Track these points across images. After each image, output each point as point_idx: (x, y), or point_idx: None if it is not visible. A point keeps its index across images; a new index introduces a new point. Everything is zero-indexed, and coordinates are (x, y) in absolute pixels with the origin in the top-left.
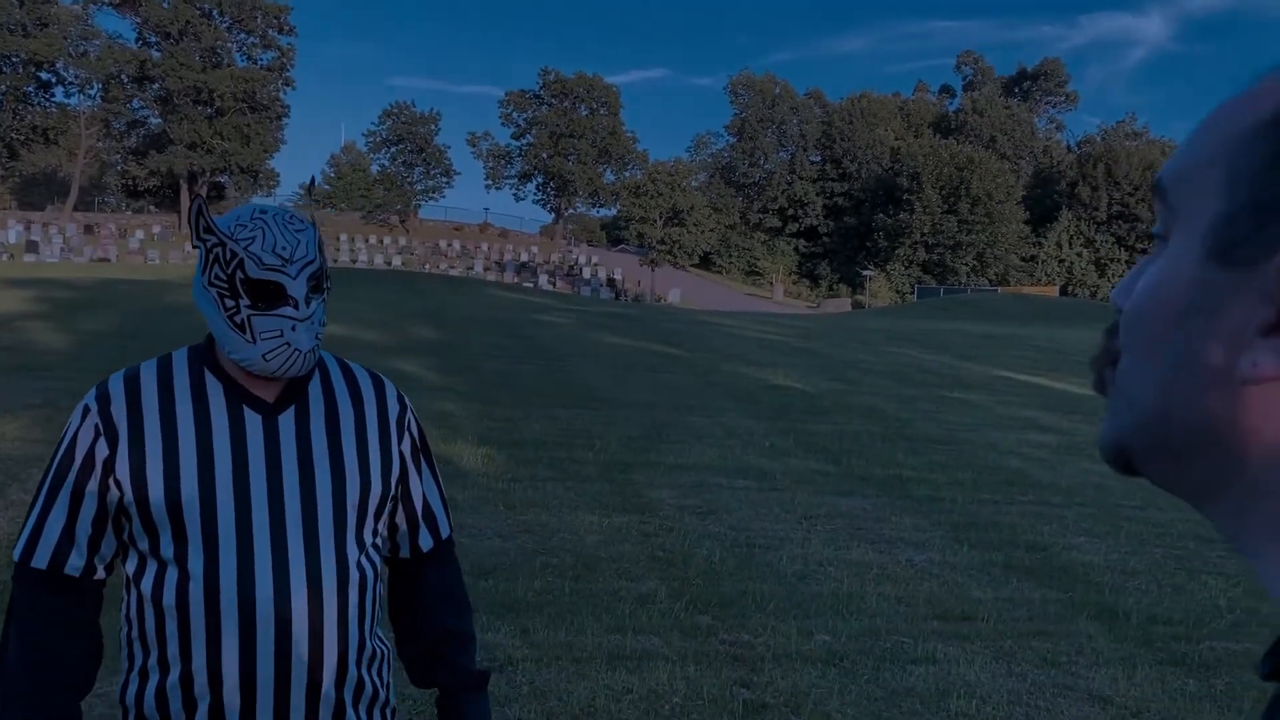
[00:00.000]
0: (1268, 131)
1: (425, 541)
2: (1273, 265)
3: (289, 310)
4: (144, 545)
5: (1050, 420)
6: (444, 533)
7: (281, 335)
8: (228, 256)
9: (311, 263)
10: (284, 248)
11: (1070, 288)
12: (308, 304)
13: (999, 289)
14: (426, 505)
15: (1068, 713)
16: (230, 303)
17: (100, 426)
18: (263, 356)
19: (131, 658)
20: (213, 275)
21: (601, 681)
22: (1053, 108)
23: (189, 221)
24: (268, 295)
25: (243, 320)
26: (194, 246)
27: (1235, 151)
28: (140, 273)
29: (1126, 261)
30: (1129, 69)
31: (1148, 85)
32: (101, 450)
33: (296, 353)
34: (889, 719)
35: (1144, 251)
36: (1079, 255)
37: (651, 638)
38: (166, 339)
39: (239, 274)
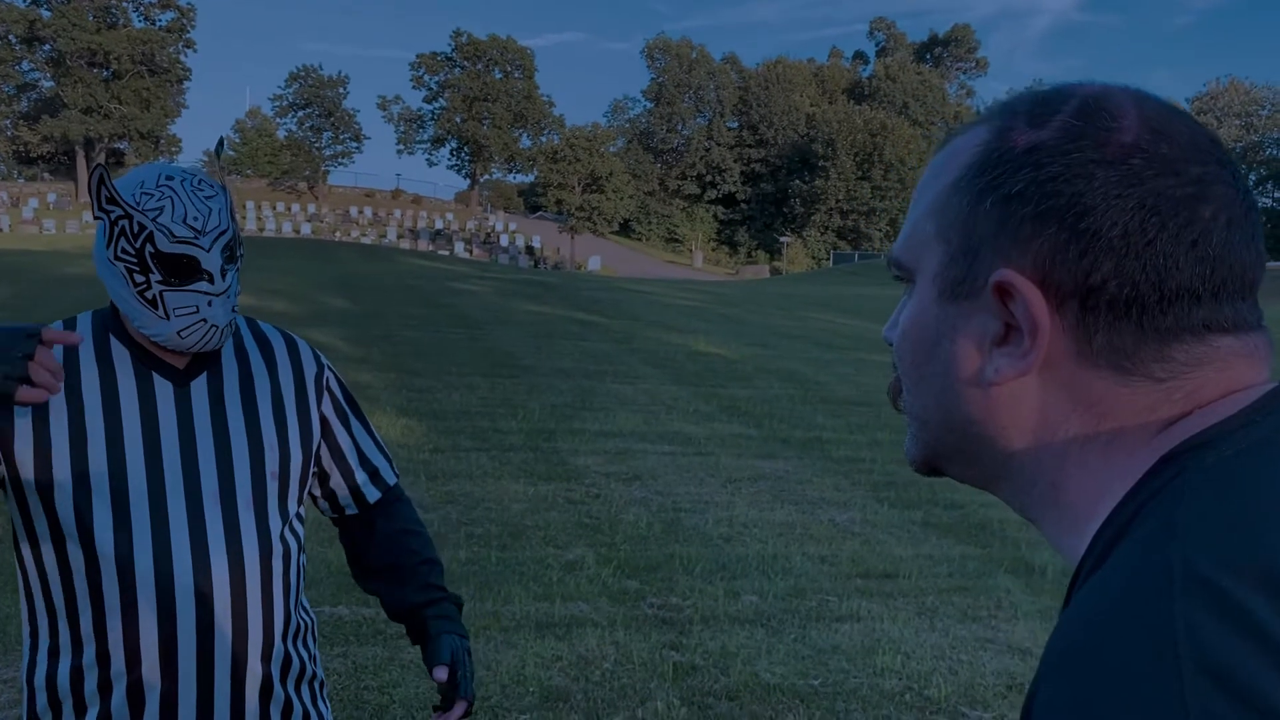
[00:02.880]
0: (960, 186)
1: (371, 494)
2: (987, 291)
3: (204, 285)
4: (49, 520)
5: None
6: (390, 480)
7: (197, 311)
8: (135, 229)
9: (225, 232)
10: (195, 218)
11: None
12: (223, 276)
13: None
14: (363, 458)
15: (990, 665)
16: (140, 278)
17: None
18: (178, 333)
19: (36, 636)
20: (119, 249)
21: (531, 649)
22: (963, 74)
23: (89, 191)
24: (181, 270)
25: (154, 296)
26: (96, 218)
27: (942, 208)
28: (35, 243)
29: None
30: (1035, 36)
31: (1053, 53)
32: None
33: (213, 328)
34: (817, 676)
35: None
36: None
37: (580, 604)
38: (65, 312)
39: (148, 248)
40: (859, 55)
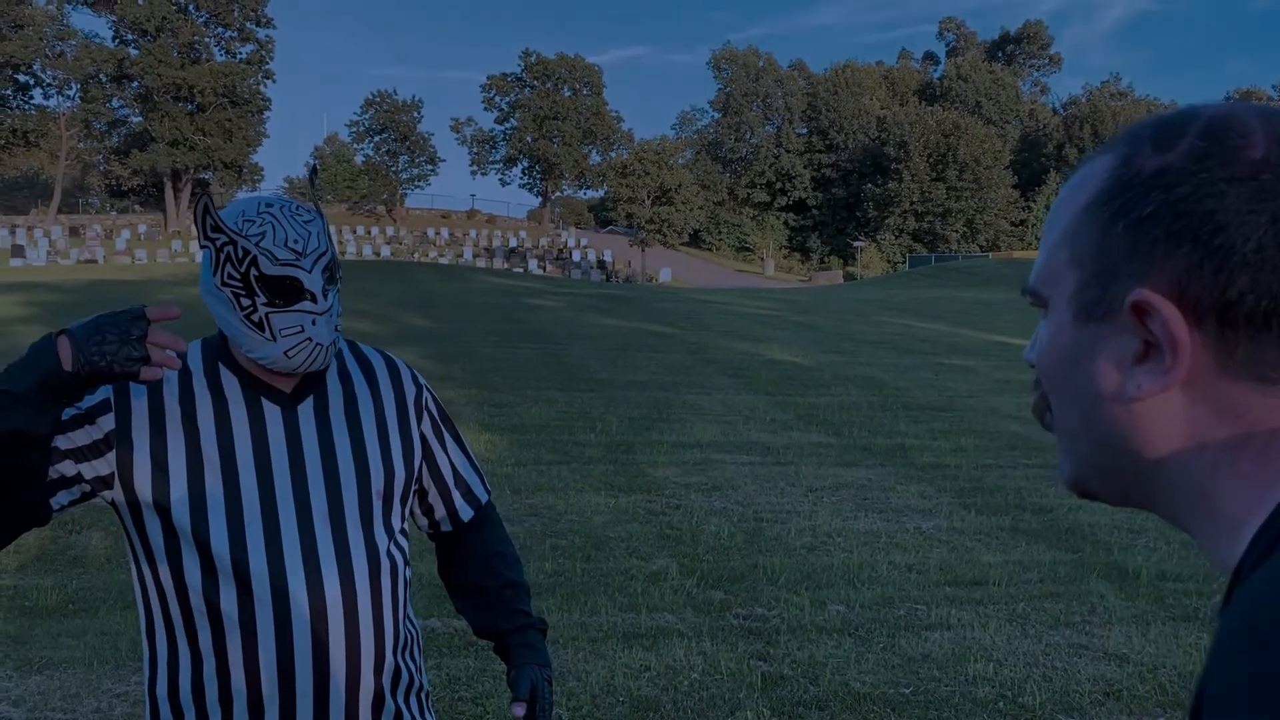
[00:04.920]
0: (1091, 212)
1: (465, 512)
2: (1124, 311)
3: (308, 305)
4: (168, 540)
5: None
6: (482, 498)
7: (302, 330)
8: (240, 255)
9: (324, 254)
10: (296, 241)
11: None
12: (325, 296)
13: (990, 255)
14: (458, 477)
15: (1085, 672)
16: (246, 301)
17: (117, 418)
18: (284, 354)
19: (155, 652)
20: (225, 275)
21: (619, 660)
22: (1036, 70)
23: (195, 220)
24: (285, 291)
25: (260, 319)
26: (201, 246)
27: (1074, 234)
28: (128, 273)
29: None
30: (1107, 29)
31: (1127, 45)
32: (111, 441)
33: (318, 347)
34: (908, 685)
35: None
36: None
37: (666, 615)
38: None
39: (253, 271)
40: (929, 56)
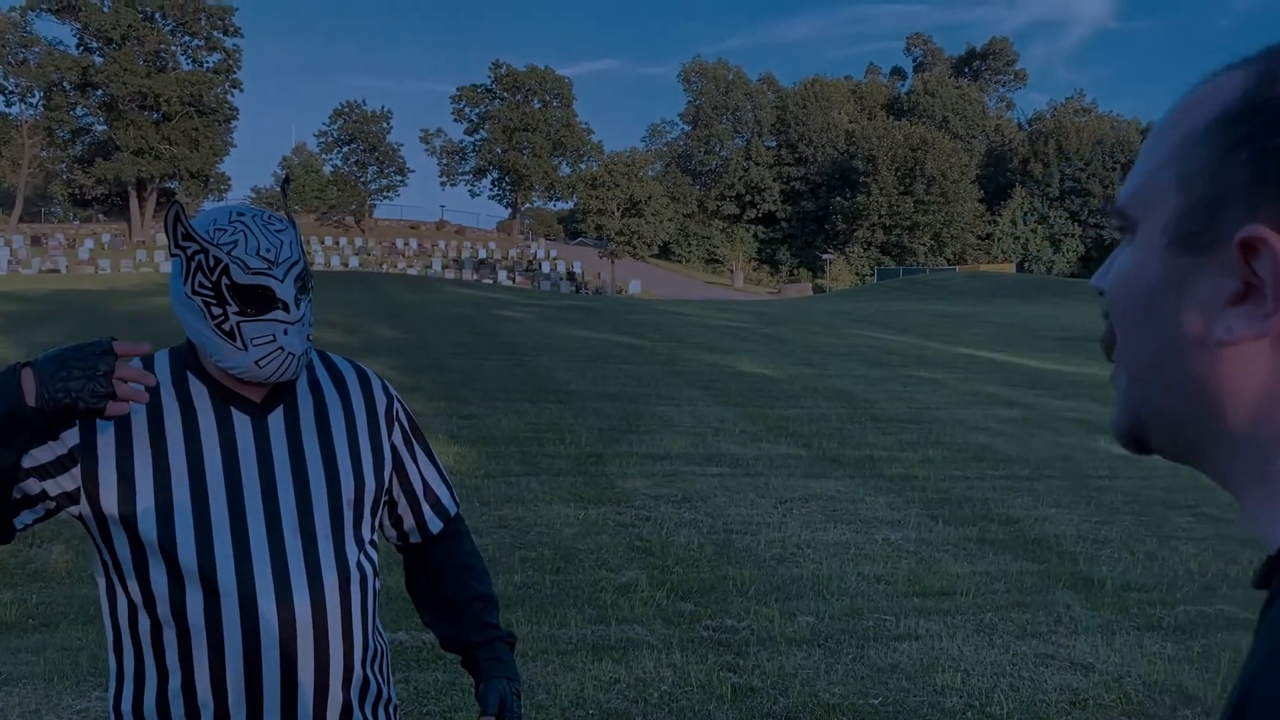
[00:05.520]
0: (1212, 132)
1: (434, 524)
2: (1231, 246)
3: (280, 314)
4: (134, 552)
5: (1014, 395)
6: (451, 510)
7: (274, 340)
8: (211, 263)
9: (297, 263)
10: (269, 250)
11: (1026, 264)
12: (297, 305)
13: (957, 268)
14: (428, 488)
15: (1051, 681)
16: (218, 310)
17: (81, 432)
18: (256, 363)
19: (121, 666)
20: (196, 284)
21: (588, 673)
22: (1002, 86)
23: (166, 229)
24: (257, 300)
25: (231, 328)
26: (172, 255)
27: (1185, 154)
28: (91, 283)
29: (1080, 236)
30: (1071, 46)
31: (1091, 62)
32: (75, 459)
33: (290, 356)
34: (876, 695)
35: (1097, 226)
36: (1033, 231)
37: (635, 626)
38: None
39: (224, 280)
40: (896, 71)
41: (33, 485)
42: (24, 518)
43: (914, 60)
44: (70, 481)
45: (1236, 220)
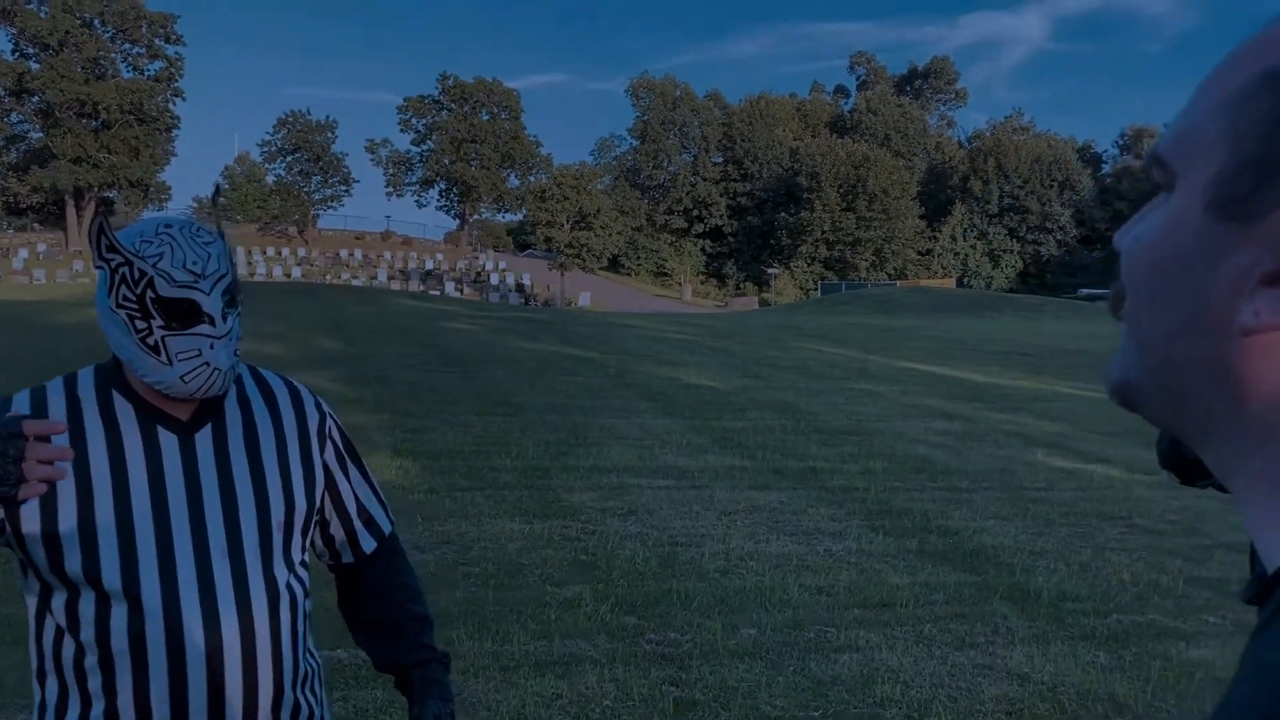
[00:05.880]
0: (1270, 85)
1: (368, 544)
2: (1276, 218)
3: (205, 328)
4: (57, 574)
5: (953, 408)
6: (386, 530)
7: (200, 355)
8: (135, 275)
9: (224, 276)
10: (195, 262)
11: (966, 279)
12: (224, 320)
13: (898, 283)
14: (361, 507)
15: (989, 691)
16: (141, 324)
17: None
18: (181, 378)
19: (44, 691)
20: (120, 296)
21: (530, 689)
22: (943, 105)
23: (90, 240)
24: (182, 314)
25: (156, 342)
26: (97, 267)
27: (1237, 106)
28: (26, 293)
29: (1019, 252)
30: (1010, 67)
31: (1028, 82)
32: None
33: (216, 372)
34: (817, 708)
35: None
36: (973, 247)
37: (579, 642)
38: (56, 360)
39: (149, 293)
40: (840, 89)
41: None
42: None
43: (857, 79)
44: None
45: None
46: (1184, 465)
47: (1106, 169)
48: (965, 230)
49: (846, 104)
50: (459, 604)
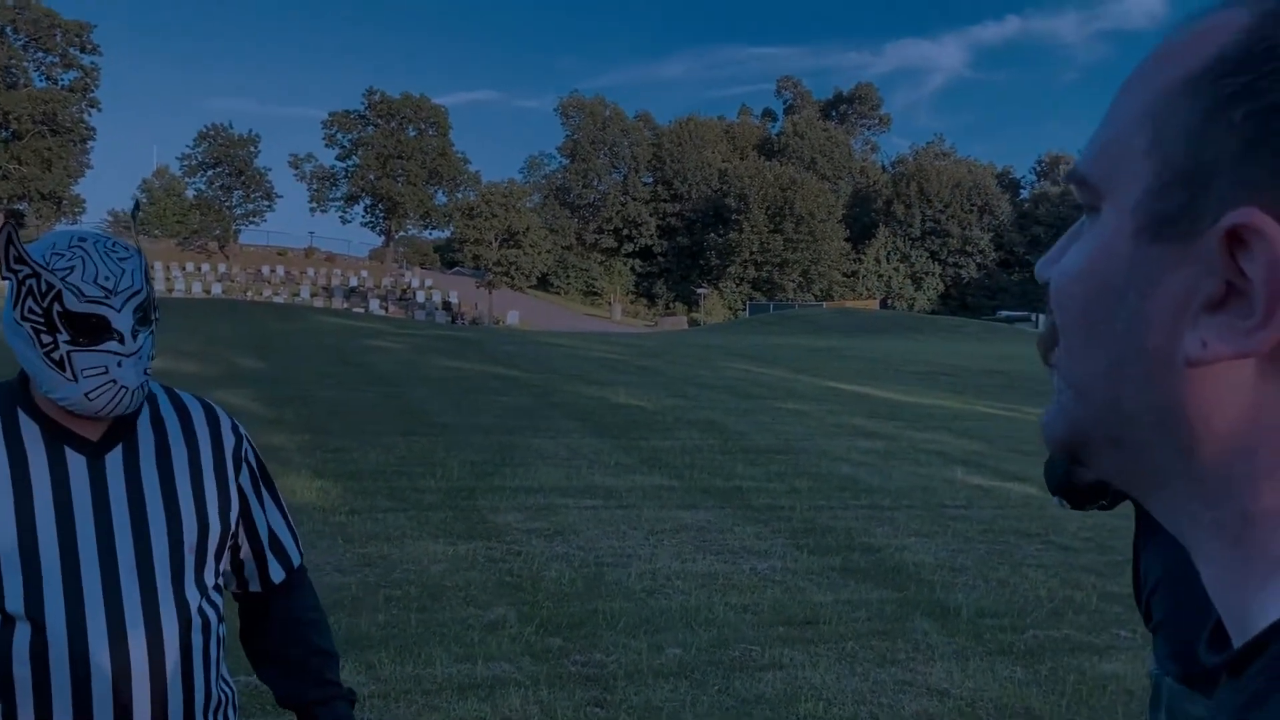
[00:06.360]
0: (1197, 87)
1: (276, 573)
2: (1213, 235)
3: (114, 345)
4: None
5: (876, 427)
6: (295, 561)
7: (107, 372)
8: (43, 289)
9: (138, 293)
10: (107, 278)
11: (889, 300)
12: (134, 337)
13: (824, 304)
14: (273, 536)
15: (909, 708)
16: (47, 338)
17: None
18: (85, 395)
19: None
20: (25, 309)
21: (453, 713)
22: (868, 130)
23: None
24: (90, 329)
25: (61, 357)
26: (4, 278)
27: (1161, 113)
28: None
29: (940, 275)
30: (931, 94)
31: (949, 109)
32: None
33: (124, 390)
34: None
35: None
36: (896, 270)
37: (502, 664)
38: None
39: (56, 307)
40: (768, 113)
41: None
42: None
43: (784, 102)
44: None
45: (1222, 202)
46: (1074, 491)
47: (1025, 194)
48: (889, 253)
49: (774, 127)
50: (380, 627)
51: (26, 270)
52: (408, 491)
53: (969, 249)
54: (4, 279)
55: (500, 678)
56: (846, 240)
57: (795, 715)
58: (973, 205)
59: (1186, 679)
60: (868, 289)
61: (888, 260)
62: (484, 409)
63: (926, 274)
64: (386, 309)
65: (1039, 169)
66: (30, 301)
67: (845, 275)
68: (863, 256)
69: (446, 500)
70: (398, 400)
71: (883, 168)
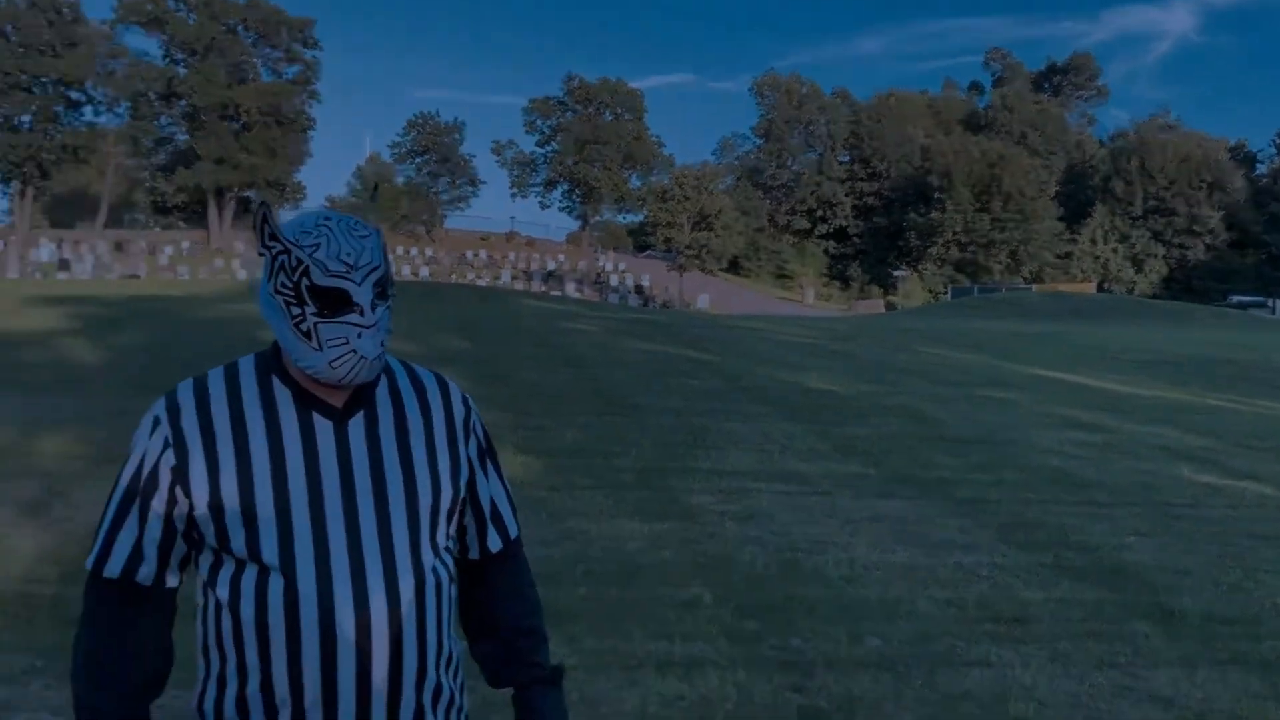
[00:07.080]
0: None
1: (494, 543)
2: None
3: (354, 317)
4: (220, 555)
5: (1092, 418)
6: (512, 533)
7: (347, 342)
8: (293, 264)
9: (376, 269)
10: (349, 254)
11: (1107, 284)
12: (373, 310)
13: (1033, 287)
14: (494, 506)
15: (1130, 714)
16: (296, 310)
17: (170, 438)
18: (329, 364)
19: (208, 664)
20: (278, 283)
21: (653, 689)
22: (1084, 102)
23: (254, 228)
24: (333, 302)
25: (309, 328)
26: (260, 254)
27: None
28: (170, 288)
29: (1163, 257)
30: (1154, 62)
31: (1175, 79)
32: (169, 461)
33: (362, 360)
34: None
35: (1182, 246)
36: (1114, 251)
37: (699, 644)
38: (199, 353)
39: (304, 281)
40: (975, 85)
41: (180, 545)
42: (174, 563)
43: (992, 75)
44: (184, 505)
45: None
46: None
47: (1261, 169)
48: (1106, 233)
49: (981, 100)
50: (580, 600)
51: (279, 247)
52: (603, 470)
53: (1196, 229)
54: (259, 254)
55: (697, 657)
56: (1059, 219)
57: (1005, 715)
58: (1201, 181)
59: None
60: (1082, 271)
61: (1105, 241)
62: (675, 391)
63: (1149, 255)
64: (582, 292)
65: (1278, 143)
66: (282, 276)
67: (1058, 257)
68: (1077, 237)
69: (640, 480)
70: (592, 381)
71: (1100, 142)
